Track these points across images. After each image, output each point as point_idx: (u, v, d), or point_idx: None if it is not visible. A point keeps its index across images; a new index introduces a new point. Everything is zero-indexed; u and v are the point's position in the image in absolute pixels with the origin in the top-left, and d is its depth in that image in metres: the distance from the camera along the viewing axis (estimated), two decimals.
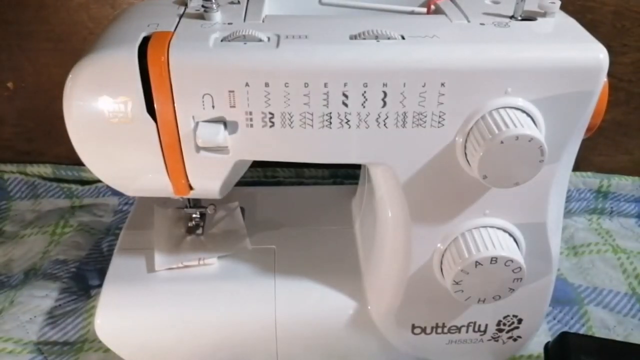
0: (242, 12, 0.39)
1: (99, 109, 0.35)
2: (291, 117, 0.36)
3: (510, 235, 0.40)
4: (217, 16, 0.38)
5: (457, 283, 0.39)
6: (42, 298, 0.56)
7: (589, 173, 0.72)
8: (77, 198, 0.71)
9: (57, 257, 0.62)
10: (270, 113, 0.36)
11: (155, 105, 0.35)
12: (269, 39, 0.36)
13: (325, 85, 0.35)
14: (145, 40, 0.35)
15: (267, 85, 0.34)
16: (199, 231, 0.52)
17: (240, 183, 0.45)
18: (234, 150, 0.37)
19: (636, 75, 0.66)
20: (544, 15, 0.39)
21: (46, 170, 0.71)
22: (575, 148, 0.39)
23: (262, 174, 0.71)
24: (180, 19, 0.38)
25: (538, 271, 0.43)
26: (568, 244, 0.67)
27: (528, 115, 0.35)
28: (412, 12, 0.42)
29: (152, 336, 0.47)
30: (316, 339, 0.48)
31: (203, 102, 0.35)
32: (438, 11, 0.41)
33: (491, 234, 0.40)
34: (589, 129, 0.38)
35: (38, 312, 0.55)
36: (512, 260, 0.38)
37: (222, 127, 0.36)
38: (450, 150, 0.37)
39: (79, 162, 0.41)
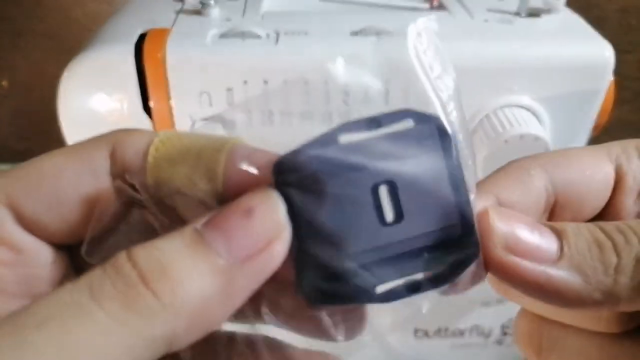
0: (240, 8, 0.39)
1: (95, 107, 0.35)
2: (290, 115, 0.35)
3: None
4: (215, 12, 0.37)
5: None
6: None
7: None
8: None
9: None
10: (269, 111, 0.35)
11: (151, 104, 0.35)
12: (267, 35, 0.35)
13: (326, 82, 0.34)
14: (142, 37, 0.34)
15: (266, 82, 0.34)
16: None
17: None
18: None
19: None
20: (548, 11, 0.38)
21: None
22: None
23: None
24: (177, 15, 0.37)
25: None
26: None
27: (533, 114, 0.35)
28: (414, 8, 0.42)
29: None
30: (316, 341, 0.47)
31: (200, 100, 0.34)
32: (441, 7, 0.41)
33: None
34: (595, 128, 0.38)
35: None
36: None
37: (219, 126, 0.35)
38: None
39: None
